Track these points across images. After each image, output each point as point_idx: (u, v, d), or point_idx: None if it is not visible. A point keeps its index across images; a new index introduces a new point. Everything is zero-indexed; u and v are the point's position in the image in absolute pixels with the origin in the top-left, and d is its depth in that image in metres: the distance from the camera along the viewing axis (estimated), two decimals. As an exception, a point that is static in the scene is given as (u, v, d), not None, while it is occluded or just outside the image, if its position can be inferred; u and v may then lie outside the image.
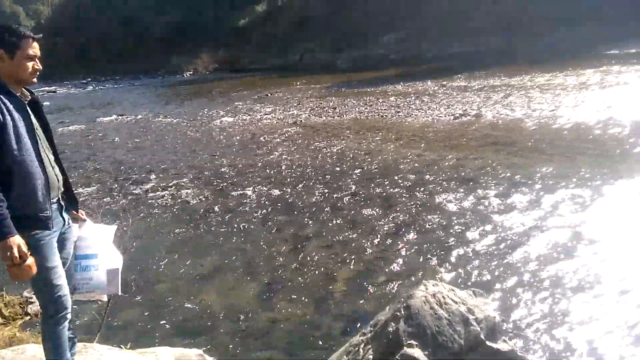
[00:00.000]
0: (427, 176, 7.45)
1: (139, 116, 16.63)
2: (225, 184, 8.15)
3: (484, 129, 10.43)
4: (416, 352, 2.72)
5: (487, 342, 2.80)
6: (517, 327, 3.54)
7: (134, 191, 8.11)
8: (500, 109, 11.94)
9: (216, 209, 6.93)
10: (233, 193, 7.60)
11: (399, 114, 12.99)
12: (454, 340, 2.82)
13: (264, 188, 7.66)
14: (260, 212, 6.69)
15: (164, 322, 4.18)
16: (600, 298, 3.79)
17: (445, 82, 17.30)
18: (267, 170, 8.69)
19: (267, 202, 7.05)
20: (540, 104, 12.03)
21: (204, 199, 7.43)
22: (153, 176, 8.90)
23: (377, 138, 10.44)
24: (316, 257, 5.20)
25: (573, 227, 5.13)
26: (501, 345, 2.81)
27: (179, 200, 7.45)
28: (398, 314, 3.04)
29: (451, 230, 5.46)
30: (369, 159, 8.80)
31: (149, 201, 7.53)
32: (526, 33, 25.00)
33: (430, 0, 30.63)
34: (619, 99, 11.38)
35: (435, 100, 14.15)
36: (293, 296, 4.44)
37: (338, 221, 6.10)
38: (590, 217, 5.34)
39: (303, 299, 4.38)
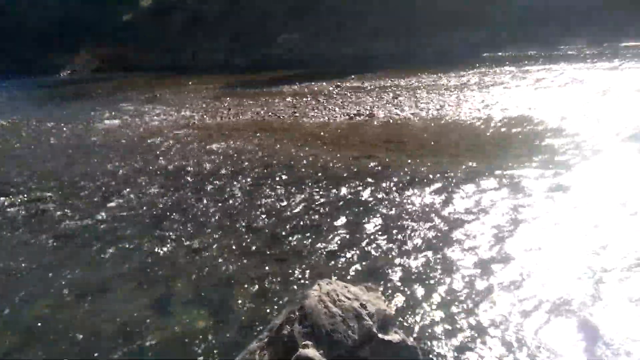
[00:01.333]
0: (325, 175, 7.50)
1: (4, 122, 14.76)
2: (108, 191, 7.50)
3: (377, 128, 10.79)
4: (311, 352, 2.65)
5: (379, 335, 2.81)
6: (409, 317, 3.62)
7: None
8: (391, 109, 12.45)
9: (98, 218, 6.34)
10: (117, 201, 7.03)
11: (296, 114, 13.01)
12: (348, 336, 2.80)
13: (152, 193, 7.18)
14: (147, 219, 6.24)
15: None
16: (491, 287, 4.01)
17: (340, 83, 17.71)
18: (156, 176, 8.18)
19: (155, 208, 6.60)
20: (427, 103, 12.74)
21: (82, 209, 6.77)
22: (20, 188, 7.94)
23: (275, 138, 10.34)
24: (213, 263, 4.95)
25: (461, 220, 5.44)
26: (393, 337, 2.84)
27: (49, 213, 6.70)
28: (293, 315, 2.96)
29: (346, 228, 5.50)
30: (266, 160, 8.66)
31: (8, 215, 6.68)
32: (415, 36, 26.46)
33: (326, 1, 31.27)
34: (495, 98, 12.44)
35: (331, 101, 14.41)
36: (190, 307, 4.16)
37: (234, 225, 5.89)
38: (475, 210, 5.69)
39: (201, 309, 4.12)
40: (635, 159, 7.09)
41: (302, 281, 4.40)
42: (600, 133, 8.52)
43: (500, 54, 21.48)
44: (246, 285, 4.45)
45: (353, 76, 19.26)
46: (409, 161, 7.85)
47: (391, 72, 19.31)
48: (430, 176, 6.93)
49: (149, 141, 10.77)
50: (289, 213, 6.08)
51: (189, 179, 7.85)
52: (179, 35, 34.97)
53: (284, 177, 7.54)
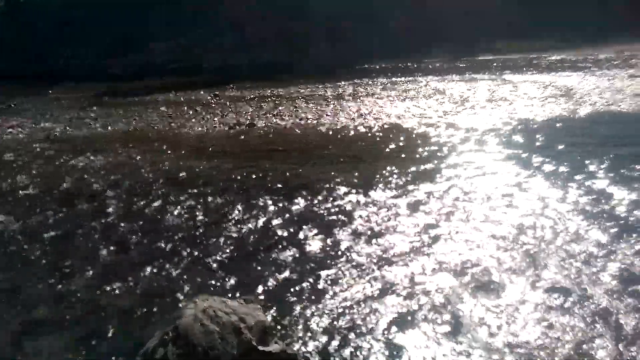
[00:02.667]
0: (205, 187, 7.27)
1: None
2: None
3: (257, 137, 10.78)
4: (186, 373, 2.53)
5: (259, 347, 2.78)
6: (290, 326, 3.63)
7: None
8: (271, 119, 12.54)
9: None
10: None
11: (172, 124, 12.51)
12: (227, 352, 2.73)
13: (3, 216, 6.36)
14: None
15: None
16: (366, 293, 4.17)
17: (218, 93, 17.43)
18: (7, 196, 7.27)
19: (6, 234, 5.86)
20: (306, 113, 13.06)
21: None
22: None
23: (149, 151, 9.81)
24: (79, 286, 4.50)
25: (340, 225, 5.62)
26: (272, 347, 2.83)
27: None
28: (166, 337, 2.81)
29: (225, 240, 5.38)
30: (140, 175, 8.16)
31: None
32: (295, 47, 27.06)
33: (206, 11, 30.64)
34: (369, 107, 13.17)
35: (209, 111, 14.11)
36: (55, 336, 3.73)
37: (101, 245, 5.44)
38: (353, 215, 5.92)
39: (68, 338, 3.72)
40: (485, 157, 7.97)
41: (180, 297, 4.20)
42: (458, 136, 9.44)
43: (372, 66, 22.87)
44: (118, 306, 4.13)
45: (232, 85, 19.09)
46: (291, 169, 7.95)
47: (271, 82, 19.50)
48: (313, 184, 7.08)
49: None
50: (166, 231, 5.78)
51: (47, 200, 7.08)
52: (46, 41, 31.76)
53: (160, 192, 7.17)
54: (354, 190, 6.61)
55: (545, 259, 4.40)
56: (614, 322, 3.43)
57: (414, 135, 9.94)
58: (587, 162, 7.25)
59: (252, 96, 16.52)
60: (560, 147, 8.38)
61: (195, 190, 7.07)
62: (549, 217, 5.36)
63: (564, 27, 34.47)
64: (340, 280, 4.24)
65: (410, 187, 6.63)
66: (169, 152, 9.66)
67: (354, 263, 4.57)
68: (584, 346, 3.20)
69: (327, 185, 6.93)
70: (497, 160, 7.88)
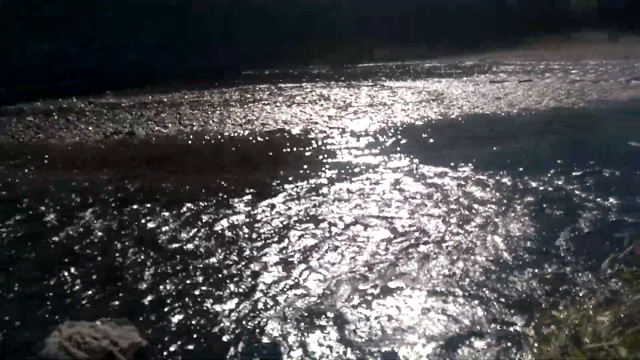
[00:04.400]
0: (83, 201, 6.64)
1: None
2: None
3: (137, 147, 10.18)
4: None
5: (135, 371, 2.58)
6: (167, 347, 3.42)
7: None
8: (153, 127, 11.93)
9: None
10: None
11: (40, 135, 11.34)
12: (98, 381, 2.49)
13: None
14: None
15: None
16: (251, 313, 4.09)
17: (93, 100, 16.20)
18: None
19: None
20: (191, 120, 12.64)
21: None
22: None
23: (13, 166, 8.76)
24: None
25: (221, 238, 5.46)
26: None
27: None
28: (25, 372, 2.49)
29: (98, 257, 4.95)
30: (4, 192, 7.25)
31: None
32: (179, 50, 26.07)
33: (82, 14, 28.28)
34: (256, 113, 13.11)
35: (83, 119, 13.04)
36: None
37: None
38: (240, 224, 5.79)
39: None
40: (367, 156, 8.34)
41: (44, 325, 3.76)
42: (342, 139, 9.78)
43: (258, 71, 22.85)
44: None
45: (109, 92, 17.86)
46: (173, 179, 7.60)
47: (153, 87, 18.58)
48: (197, 193, 6.82)
49: None
50: (42, 250, 5.16)
51: None
52: None
53: (23, 208, 6.41)
54: (244, 199, 6.49)
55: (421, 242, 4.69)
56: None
57: (301, 140, 10.09)
58: (457, 157, 7.91)
59: (131, 103, 15.58)
60: (433, 145, 9.08)
61: (63, 206, 6.43)
62: (424, 205, 5.75)
63: (434, 36, 37.58)
64: (221, 294, 4.10)
65: (299, 192, 6.69)
66: (35, 165, 8.72)
67: (235, 278, 4.43)
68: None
69: (212, 194, 6.72)
70: (377, 158, 8.28)
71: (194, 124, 12.12)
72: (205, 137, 10.76)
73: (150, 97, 16.66)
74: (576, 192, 6.09)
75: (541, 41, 36.53)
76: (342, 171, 7.60)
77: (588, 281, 3.74)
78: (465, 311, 3.55)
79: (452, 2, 40.43)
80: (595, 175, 6.72)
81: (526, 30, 38.68)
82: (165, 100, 16.02)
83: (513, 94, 15.06)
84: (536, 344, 2.82)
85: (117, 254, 5.00)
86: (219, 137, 10.70)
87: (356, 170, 7.65)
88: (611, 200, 5.65)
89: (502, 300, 3.66)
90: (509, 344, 3.03)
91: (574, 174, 6.77)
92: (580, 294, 3.46)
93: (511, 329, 3.22)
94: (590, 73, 20.24)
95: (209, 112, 13.65)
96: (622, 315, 1.30)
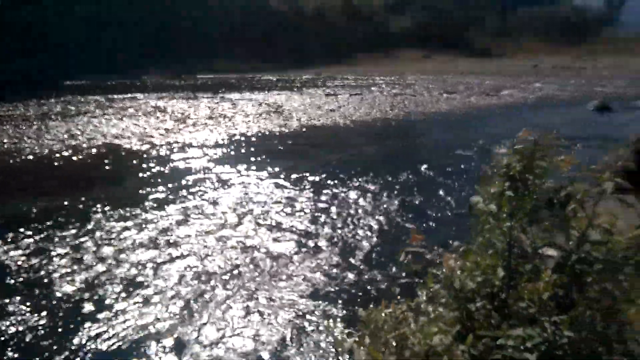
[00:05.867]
0: None
1: None
2: None
3: None
4: None
5: None
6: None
7: None
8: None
9: None
10: None
11: None
12: None
13: None
14: None
15: None
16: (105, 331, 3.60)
17: None
18: None
19: None
20: (0, 136, 10.91)
21: None
22: None
23: None
24: None
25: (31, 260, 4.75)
26: None
27: None
28: None
29: None
30: None
31: None
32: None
33: None
34: (82, 127, 11.83)
35: None
36: None
37: None
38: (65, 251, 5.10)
39: None
40: (209, 168, 8.12)
41: None
42: (181, 153, 9.35)
43: (83, 82, 20.80)
44: None
45: None
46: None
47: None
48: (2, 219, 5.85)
49: None
50: None
51: None
52: None
53: None
54: (62, 225, 5.74)
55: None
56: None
57: (134, 155, 9.38)
58: (296, 165, 8.14)
59: None
60: (273, 154, 9.22)
61: None
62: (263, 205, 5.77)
63: (274, 51, 38.60)
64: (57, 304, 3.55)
65: (125, 214, 6.16)
66: None
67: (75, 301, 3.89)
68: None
69: (27, 223, 5.83)
70: (218, 169, 8.08)
71: (5, 141, 10.47)
72: (18, 157, 9.34)
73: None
74: (385, 192, 6.71)
75: (367, 58, 40.07)
76: (178, 186, 7.24)
77: (383, 278, 4.14)
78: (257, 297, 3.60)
79: (288, 20, 42.08)
80: (410, 177, 7.53)
81: (354, 48, 42.06)
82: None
83: (345, 107, 16.16)
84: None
85: None
86: (34, 155, 9.38)
87: (194, 184, 7.36)
88: (416, 197, 6.39)
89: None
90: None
91: (388, 177, 7.48)
92: (381, 289, 3.81)
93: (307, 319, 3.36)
94: (410, 87, 22.79)
95: (24, 128, 11.94)
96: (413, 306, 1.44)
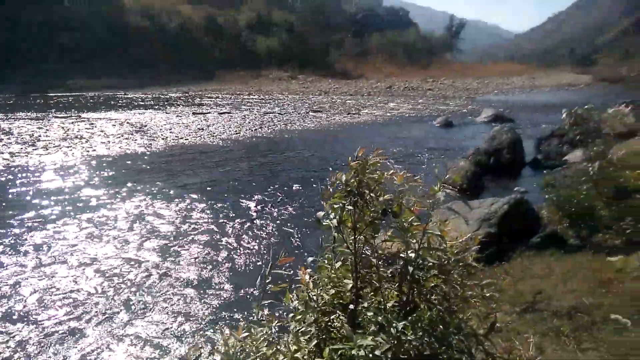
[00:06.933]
0: None
1: None
2: None
3: None
4: None
5: None
6: None
7: None
8: None
9: None
10: None
11: None
12: None
13: None
14: None
15: None
16: None
17: None
18: None
19: None
20: None
21: None
22: None
23: None
24: None
25: None
26: None
27: None
28: None
29: None
30: None
31: None
32: None
33: None
34: None
35: None
36: None
37: None
38: None
39: None
40: (59, 196, 7.35)
41: None
42: (29, 179, 8.33)
43: None
44: None
45: None
46: None
47: None
48: None
49: None
50: None
51: None
52: None
53: None
54: None
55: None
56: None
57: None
58: (159, 186, 7.74)
59: None
60: (134, 176, 8.66)
61: None
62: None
63: (136, 67, 36.55)
64: None
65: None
66: None
67: None
68: None
69: None
70: (68, 193, 7.35)
71: None
72: None
73: None
74: (252, 210, 6.76)
75: (235, 77, 40.08)
76: (19, 212, 6.43)
77: (247, 300, 4.17)
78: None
79: (151, 38, 40.37)
80: (278, 193, 7.64)
81: (221, 66, 41.80)
82: None
83: (214, 125, 15.88)
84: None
85: None
86: None
87: (38, 209, 6.61)
88: (283, 214, 6.53)
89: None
90: None
91: (255, 195, 7.53)
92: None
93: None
94: (278, 106, 23.24)
95: None
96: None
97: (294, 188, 8.06)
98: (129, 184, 8.22)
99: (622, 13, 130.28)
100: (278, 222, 6.32)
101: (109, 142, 12.53)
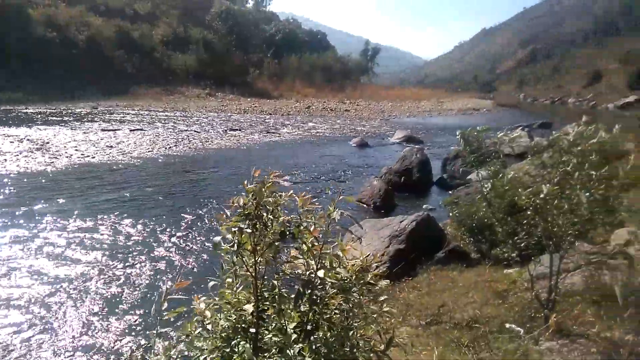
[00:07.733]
0: None
1: None
2: None
3: None
4: None
5: None
6: None
7: None
8: None
9: None
10: None
11: None
12: None
13: None
14: None
15: None
16: None
17: None
18: None
19: None
20: None
21: None
22: None
23: None
24: None
25: None
26: None
27: None
28: None
29: None
30: None
31: None
32: None
33: None
34: None
35: None
36: None
37: None
38: None
39: None
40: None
41: None
42: None
43: None
44: None
45: None
46: None
47: None
48: None
49: None
50: None
51: None
52: None
53: None
54: None
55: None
56: None
57: None
58: (61, 207, 7.21)
59: None
60: (33, 198, 7.99)
61: None
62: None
63: (41, 80, 33.94)
64: None
65: None
66: None
67: None
68: None
69: None
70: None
71: None
72: None
73: None
74: (158, 232, 6.55)
75: (149, 93, 38.65)
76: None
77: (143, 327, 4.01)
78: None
79: (57, 50, 37.86)
80: (187, 215, 7.44)
81: (134, 82, 40.16)
82: None
83: (125, 143, 15.13)
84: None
85: None
86: None
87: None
88: (190, 236, 6.38)
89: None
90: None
91: (163, 216, 7.29)
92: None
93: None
94: (195, 124, 22.67)
95: None
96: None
97: (204, 208, 7.90)
98: (24, 205, 7.58)
99: (519, 45, 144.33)
100: (183, 244, 6.15)
101: (5, 160, 11.49)
